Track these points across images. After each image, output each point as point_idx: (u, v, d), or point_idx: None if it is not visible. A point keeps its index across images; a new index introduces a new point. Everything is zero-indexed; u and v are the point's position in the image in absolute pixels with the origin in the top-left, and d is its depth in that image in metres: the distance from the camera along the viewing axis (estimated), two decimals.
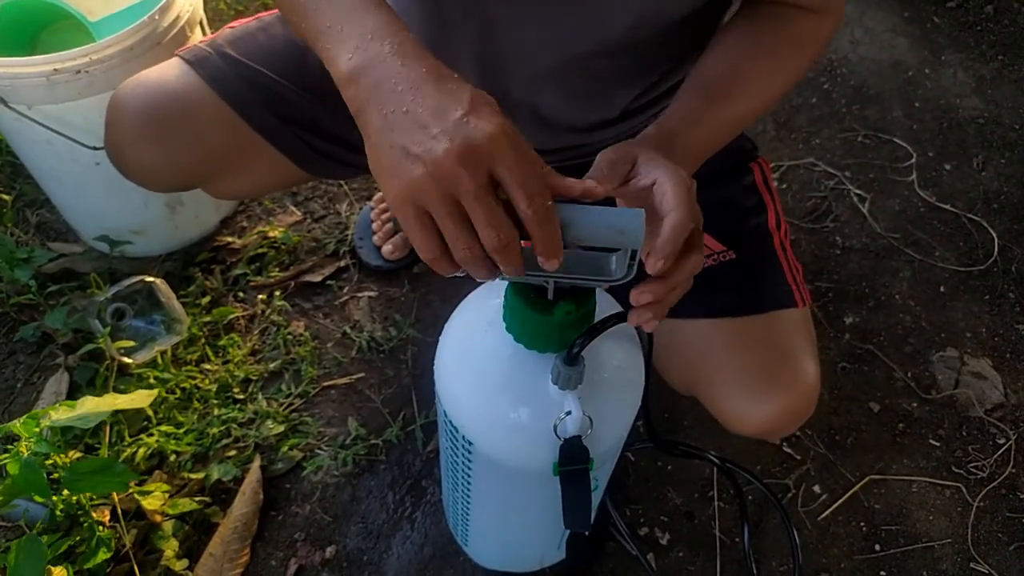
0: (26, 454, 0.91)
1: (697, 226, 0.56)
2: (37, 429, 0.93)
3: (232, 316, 1.29)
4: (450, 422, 0.71)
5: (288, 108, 0.91)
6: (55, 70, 1.04)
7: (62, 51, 1.04)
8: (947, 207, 1.50)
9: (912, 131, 1.62)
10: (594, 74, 0.81)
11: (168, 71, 0.89)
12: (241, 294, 1.33)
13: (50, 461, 0.96)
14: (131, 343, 1.22)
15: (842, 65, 1.72)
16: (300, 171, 0.97)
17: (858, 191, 1.51)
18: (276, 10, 0.95)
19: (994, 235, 1.46)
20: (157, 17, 1.10)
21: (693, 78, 0.73)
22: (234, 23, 0.97)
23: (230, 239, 1.39)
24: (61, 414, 0.95)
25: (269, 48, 0.92)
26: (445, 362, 0.71)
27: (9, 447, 0.93)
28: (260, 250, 1.37)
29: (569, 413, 0.62)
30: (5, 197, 1.41)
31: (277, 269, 1.36)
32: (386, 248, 1.31)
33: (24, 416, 0.93)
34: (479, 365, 0.68)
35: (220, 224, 1.42)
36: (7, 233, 1.37)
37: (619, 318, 0.60)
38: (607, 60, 0.79)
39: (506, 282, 0.60)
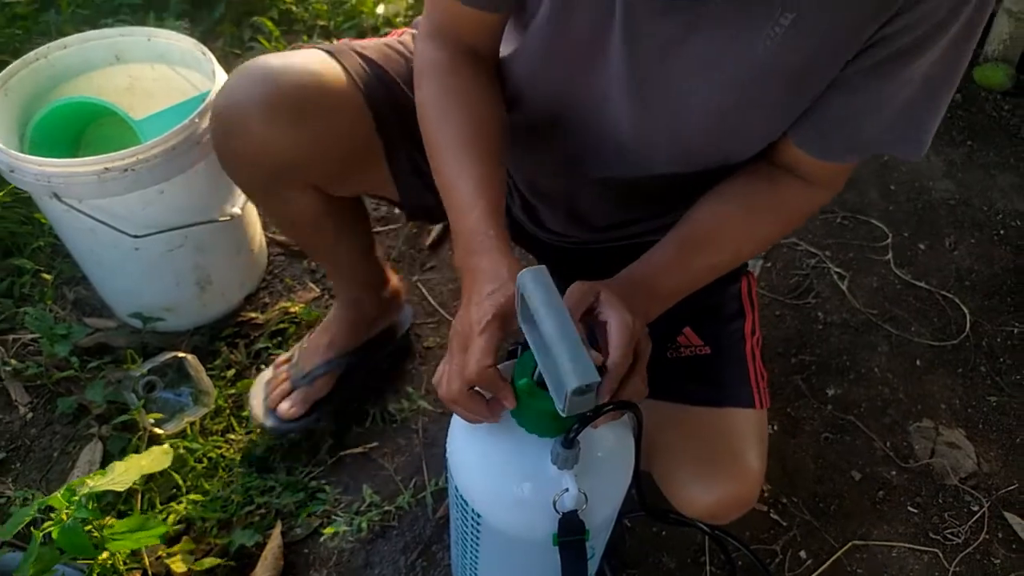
0: (67, 520, 1.00)
1: (638, 361, 0.68)
2: (76, 498, 1.02)
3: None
4: (461, 496, 0.80)
5: (407, 122, 0.92)
6: (106, 169, 1.16)
7: (109, 148, 1.17)
8: (922, 284, 1.60)
9: (888, 212, 1.73)
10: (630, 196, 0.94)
11: (306, 56, 0.92)
12: (263, 367, 1.42)
13: (88, 527, 1.04)
14: (161, 415, 1.31)
15: None
16: (393, 191, 1.05)
17: (838, 269, 1.62)
18: (385, 39, 1.04)
19: (966, 311, 1.56)
20: (197, 120, 1.22)
21: (677, 228, 0.83)
22: (354, 41, 1.03)
23: (253, 314, 1.49)
24: (96, 482, 1.04)
25: (396, 63, 0.99)
26: (457, 443, 0.81)
27: (50, 515, 1.02)
28: (281, 325, 1.48)
29: (567, 490, 0.71)
30: (46, 276, 1.52)
31: (297, 343, 1.45)
32: (283, 406, 1.27)
33: (62, 488, 1.02)
34: (488, 447, 0.77)
35: (244, 300, 1.52)
36: (47, 310, 1.48)
37: (610, 409, 0.70)
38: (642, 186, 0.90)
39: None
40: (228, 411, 1.36)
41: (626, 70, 0.76)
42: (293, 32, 2.07)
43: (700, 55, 0.72)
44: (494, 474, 0.77)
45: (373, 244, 1.25)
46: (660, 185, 0.89)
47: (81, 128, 1.44)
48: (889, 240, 1.67)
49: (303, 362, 1.30)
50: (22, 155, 1.17)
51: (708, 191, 0.85)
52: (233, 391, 1.38)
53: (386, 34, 1.08)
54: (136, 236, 1.26)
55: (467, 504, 0.79)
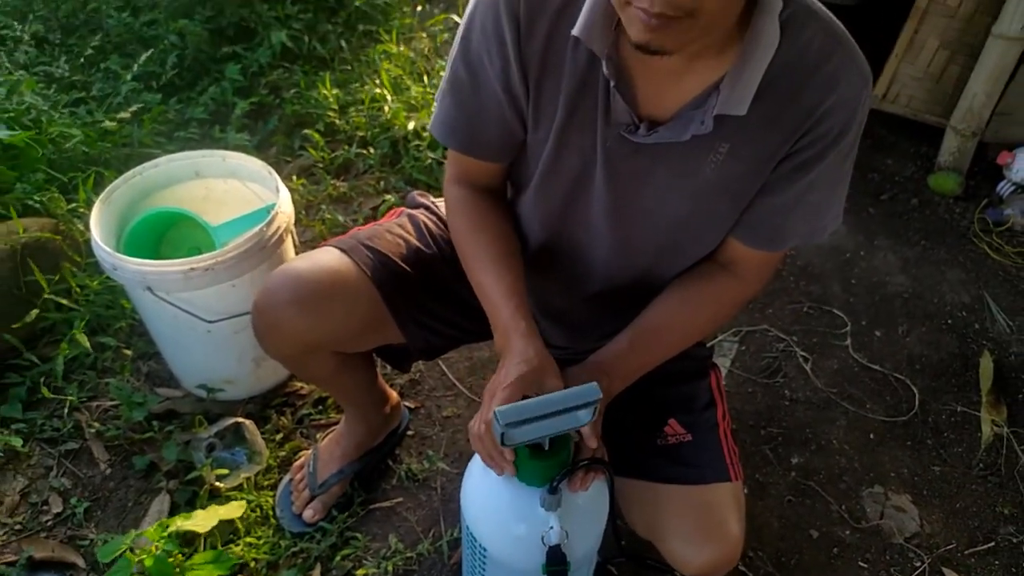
0: (157, 552, 1.25)
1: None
2: (165, 533, 1.27)
3: (299, 449, 1.63)
4: (471, 534, 1.03)
5: (410, 294, 1.18)
6: (191, 268, 1.45)
7: (187, 246, 1.45)
8: (877, 367, 1.84)
9: (849, 304, 1.98)
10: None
11: (324, 256, 1.15)
12: (306, 431, 1.67)
13: (171, 559, 1.29)
14: (222, 471, 1.56)
15: (792, 249, 2.12)
16: (400, 337, 1.26)
17: (803, 353, 1.86)
18: (383, 220, 1.30)
19: (915, 391, 1.78)
20: (265, 228, 1.51)
21: (633, 322, 1.08)
22: (357, 229, 1.27)
23: (299, 385, 1.75)
24: (183, 523, 1.29)
25: (396, 245, 1.21)
26: (468, 492, 1.05)
27: (133, 551, 1.26)
28: (323, 394, 1.73)
29: (552, 528, 0.95)
30: (126, 352, 1.80)
31: (335, 411, 1.71)
32: (307, 513, 1.49)
33: (155, 524, 1.26)
34: (493, 496, 1.01)
35: (291, 375, 1.79)
36: (126, 381, 1.75)
37: (585, 464, 0.94)
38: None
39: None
40: (277, 468, 1.60)
41: (607, 197, 1.02)
42: (336, 141, 2.39)
43: (664, 181, 0.99)
44: (498, 516, 1.01)
45: (376, 375, 1.49)
46: (641, 293, 1.14)
47: (165, 230, 1.73)
48: (848, 328, 1.92)
49: (319, 472, 1.53)
50: (124, 257, 1.46)
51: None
52: (282, 452, 1.63)
53: (390, 209, 1.35)
54: (210, 321, 1.53)
55: (476, 540, 1.03)
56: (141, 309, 1.63)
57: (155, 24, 2.52)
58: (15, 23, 2.39)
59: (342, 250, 1.17)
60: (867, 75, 0.92)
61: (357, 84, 2.53)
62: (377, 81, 2.52)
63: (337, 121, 2.42)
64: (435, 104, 1.07)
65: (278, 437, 1.66)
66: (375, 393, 1.52)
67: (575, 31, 0.88)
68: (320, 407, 1.72)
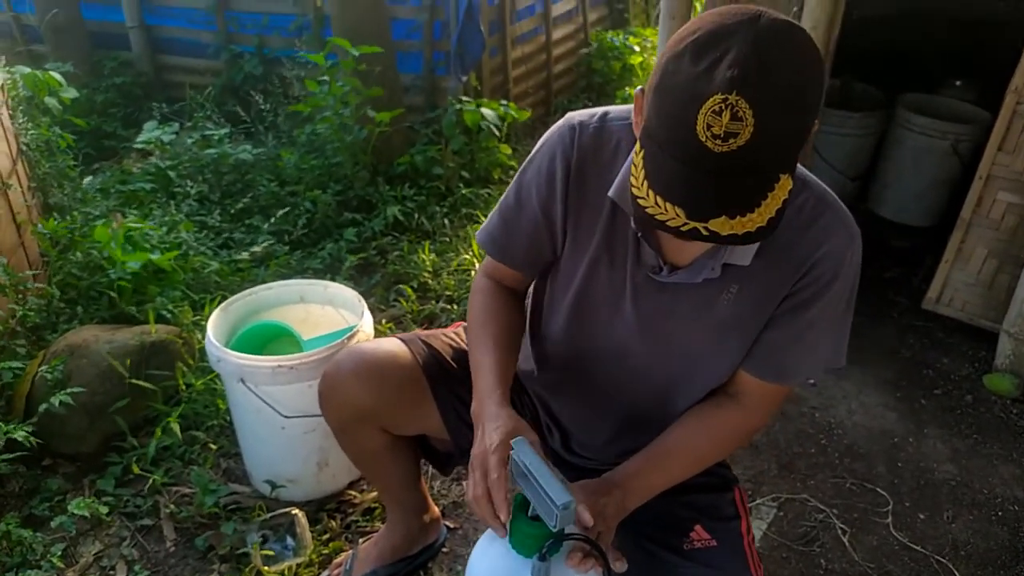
0: None
1: (606, 532, 1.07)
2: None
3: (342, 550, 1.76)
4: None
5: (453, 386, 1.36)
6: (279, 365, 1.70)
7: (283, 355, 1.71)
8: (918, 548, 1.80)
9: (892, 484, 1.98)
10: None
11: (386, 342, 1.38)
12: (351, 536, 1.80)
13: None
14: (270, 553, 1.70)
15: (838, 427, 2.17)
16: (442, 427, 1.42)
17: (842, 525, 1.85)
18: (446, 329, 1.52)
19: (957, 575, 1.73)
20: (345, 340, 1.76)
21: (649, 445, 1.21)
22: (420, 330, 1.52)
23: (353, 494, 1.91)
24: None
25: (447, 346, 1.41)
26: (472, 568, 1.15)
27: None
28: (373, 504, 1.87)
29: None
30: (213, 447, 2.03)
31: (381, 521, 1.84)
32: None
33: None
34: (492, 569, 1.11)
35: (348, 484, 1.95)
36: (206, 471, 1.96)
37: (578, 537, 1.04)
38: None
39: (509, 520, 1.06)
40: (317, 565, 1.72)
41: (636, 324, 1.20)
42: (427, 297, 2.71)
43: (685, 315, 1.16)
44: None
45: (420, 478, 1.64)
46: (659, 416, 1.27)
47: (267, 341, 2.02)
48: (891, 506, 1.91)
49: (355, 570, 1.66)
50: (228, 350, 1.74)
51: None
52: (326, 551, 1.76)
53: (451, 323, 1.59)
54: (287, 417, 1.76)
55: None
56: (232, 401, 1.88)
57: (296, 194, 3.03)
58: (188, 181, 2.95)
59: (402, 340, 1.40)
60: (853, 231, 1.10)
61: (452, 253, 2.90)
62: (469, 250, 2.87)
63: (430, 281, 2.76)
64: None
65: (324, 537, 1.80)
66: (416, 495, 1.66)
67: (610, 193, 1.09)
68: (368, 516, 1.86)
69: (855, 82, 3.34)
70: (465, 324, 1.55)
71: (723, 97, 0.80)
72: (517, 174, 1.24)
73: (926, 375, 2.37)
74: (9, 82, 2.70)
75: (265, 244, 2.58)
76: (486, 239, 1.28)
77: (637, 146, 0.91)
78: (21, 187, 2.48)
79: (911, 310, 2.67)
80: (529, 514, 1.05)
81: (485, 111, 3.23)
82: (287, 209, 2.83)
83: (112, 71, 4.18)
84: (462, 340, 1.46)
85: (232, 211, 2.92)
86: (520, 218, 1.23)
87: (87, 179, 3.12)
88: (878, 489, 1.97)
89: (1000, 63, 2.39)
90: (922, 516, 1.90)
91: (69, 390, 1.89)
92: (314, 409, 1.75)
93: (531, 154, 1.22)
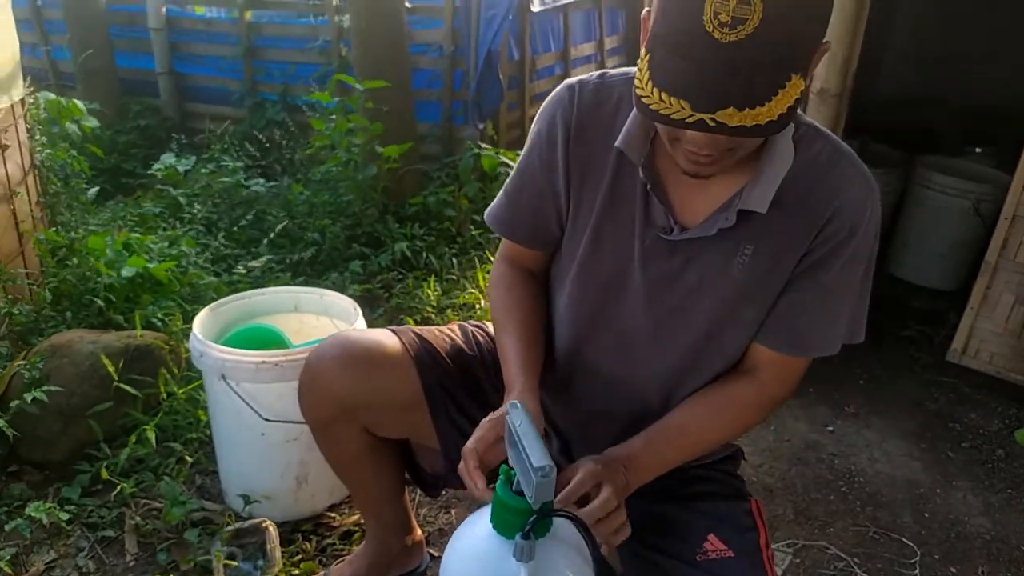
0: None
1: (618, 508, 0.97)
2: None
3: (313, 573, 1.61)
4: None
5: (446, 384, 1.26)
6: (263, 361, 1.61)
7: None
8: None
9: (920, 535, 1.81)
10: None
11: (376, 332, 1.28)
12: (326, 560, 1.66)
13: None
14: (233, 563, 1.56)
15: (859, 475, 2.01)
16: (431, 430, 1.30)
17: (865, 575, 1.68)
18: (441, 327, 1.40)
19: None
20: None
21: (656, 423, 1.11)
22: (414, 326, 1.38)
23: (333, 516, 1.77)
24: None
25: (442, 341, 1.31)
26: (449, 557, 1.02)
27: None
28: (353, 527, 1.73)
29: None
30: (188, 459, 1.91)
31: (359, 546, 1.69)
32: None
33: None
34: (471, 559, 0.98)
35: (328, 507, 1.81)
36: (178, 484, 1.83)
37: (562, 514, 0.93)
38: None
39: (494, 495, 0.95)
40: None
41: (644, 295, 1.10)
42: None
43: (696, 281, 1.08)
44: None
45: (403, 493, 1.51)
46: (670, 402, 1.16)
47: (255, 347, 1.92)
48: (918, 558, 1.74)
49: None
50: (211, 344, 1.65)
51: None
52: (296, 571, 1.62)
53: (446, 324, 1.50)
54: (267, 420, 1.65)
55: None
56: (212, 403, 1.77)
57: (305, 227, 3.00)
58: (196, 204, 2.93)
59: (393, 331, 1.30)
60: (871, 183, 1.04)
61: (458, 291, 2.83)
62: (476, 288, 2.80)
63: (434, 317, 2.67)
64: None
65: (296, 558, 1.65)
66: (399, 511, 1.52)
67: (617, 143, 1.05)
68: (346, 540, 1.72)
69: (873, 143, 3.32)
70: (460, 323, 1.46)
71: None
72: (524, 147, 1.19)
73: (953, 428, 2.22)
74: (32, 104, 2.74)
75: (265, 260, 2.52)
76: (491, 217, 1.22)
77: (643, 51, 0.87)
78: (29, 199, 2.47)
79: (934, 366, 2.54)
80: (514, 488, 0.93)
81: (503, 157, 3.22)
82: (295, 240, 2.79)
83: (137, 114, 4.27)
84: (457, 336, 1.37)
85: (238, 238, 2.89)
86: (523, 189, 1.17)
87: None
88: (904, 539, 1.80)
89: (1019, 134, 2.34)
90: (953, 570, 1.72)
91: (45, 388, 1.80)
92: (297, 415, 1.64)
93: (533, 123, 1.17)
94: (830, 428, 2.21)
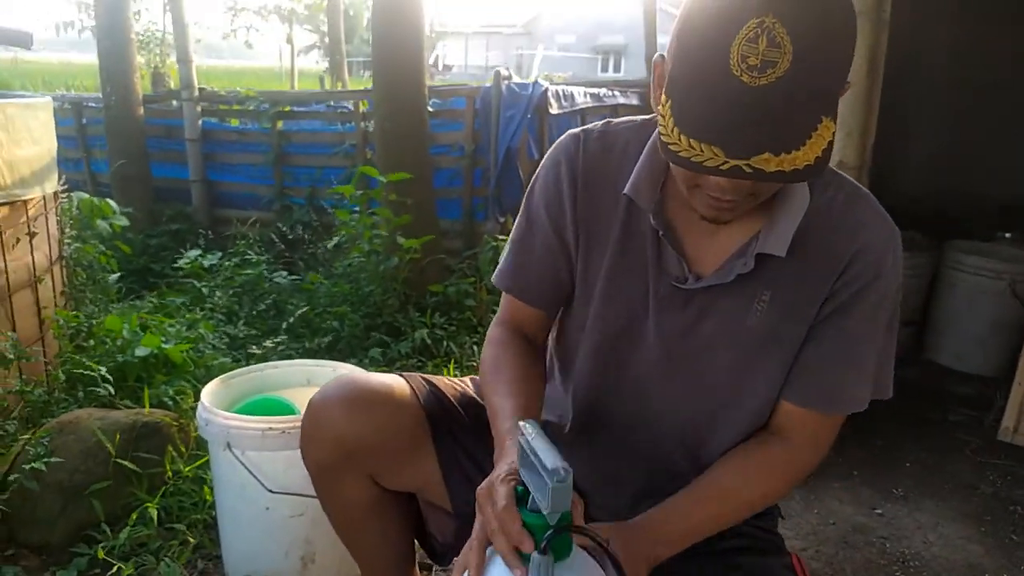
0: None
1: None
2: None
3: None
4: None
5: (457, 433, 1.18)
6: (270, 428, 1.54)
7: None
8: None
9: None
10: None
11: (383, 375, 1.19)
12: None
13: None
14: None
15: (914, 559, 1.83)
16: (441, 485, 1.21)
17: None
18: (452, 378, 1.33)
19: None
20: None
21: (682, 490, 1.01)
22: (423, 375, 1.31)
23: None
24: None
25: (452, 389, 1.24)
26: None
27: None
28: None
29: None
30: (191, 540, 1.80)
31: None
32: None
33: None
34: None
35: None
36: (179, 567, 1.72)
37: (582, 531, 0.84)
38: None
39: None
40: None
41: (658, 349, 1.05)
42: None
43: (711, 333, 1.02)
44: None
45: (413, 560, 1.39)
46: (693, 460, 1.08)
47: None
48: None
49: None
50: (216, 410, 1.59)
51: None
52: None
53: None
54: (272, 492, 1.56)
55: None
56: (216, 477, 1.69)
57: (325, 316, 2.99)
58: (218, 293, 2.94)
59: (402, 376, 1.23)
60: (892, 225, 0.99)
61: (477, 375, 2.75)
62: None
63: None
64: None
65: None
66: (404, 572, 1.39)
67: (626, 190, 1.02)
68: None
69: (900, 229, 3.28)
70: (472, 376, 1.39)
71: (759, 20, 0.75)
72: (525, 197, 1.15)
73: (1014, 511, 2.04)
74: (65, 199, 2.83)
75: (280, 340, 2.49)
76: (500, 276, 1.17)
77: (663, 97, 0.83)
78: (54, 287, 2.49)
79: (986, 449, 2.38)
80: (529, 506, 0.85)
81: None
82: (314, 328, 2.77)
83: (169, 219, 4.40)
84: (467, 386, 1.30)
85: (258, 326, 2.87)
86: (532, 242, 1.12)
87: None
88: None
89: None
90: None
91: (45, 460, 1.74)
92: (303, 487, 1.57)
93: (536, 172, 1.14)
94: (878, 511, 2.04)
